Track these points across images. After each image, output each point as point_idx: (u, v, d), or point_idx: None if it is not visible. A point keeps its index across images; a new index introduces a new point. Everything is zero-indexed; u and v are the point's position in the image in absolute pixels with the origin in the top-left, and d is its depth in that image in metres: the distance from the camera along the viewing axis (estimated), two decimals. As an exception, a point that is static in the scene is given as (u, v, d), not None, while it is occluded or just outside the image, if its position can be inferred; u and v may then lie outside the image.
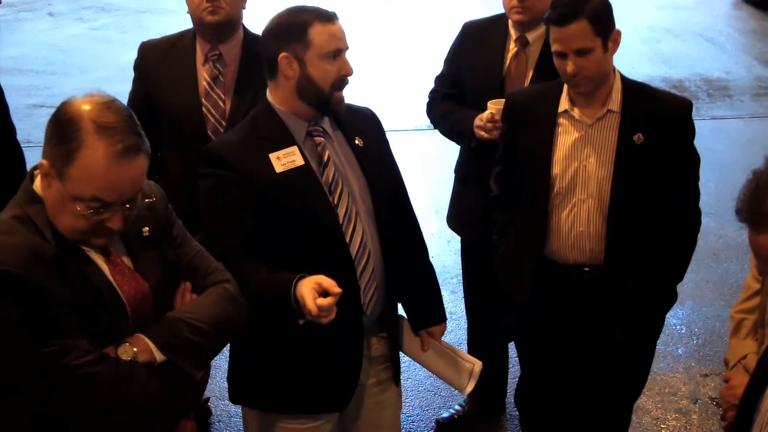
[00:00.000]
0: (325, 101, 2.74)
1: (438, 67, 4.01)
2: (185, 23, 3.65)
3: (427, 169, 6.89)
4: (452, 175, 4.13)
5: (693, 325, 5.23)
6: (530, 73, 3.63)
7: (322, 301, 2.48)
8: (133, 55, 3.73)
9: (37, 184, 2.17)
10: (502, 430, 4.38)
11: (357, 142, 2.87)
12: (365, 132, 2.92)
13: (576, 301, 3.22)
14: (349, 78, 2.75)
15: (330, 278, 2.54)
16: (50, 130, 2.10)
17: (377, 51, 10.01)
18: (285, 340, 2.79)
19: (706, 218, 6.07)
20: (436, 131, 4.05)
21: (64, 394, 2.09)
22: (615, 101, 3.09)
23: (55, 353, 2.04)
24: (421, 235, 3.14)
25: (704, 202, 6.21)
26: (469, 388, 3.10)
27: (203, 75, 3.51)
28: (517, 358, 4.02)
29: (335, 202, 2.76)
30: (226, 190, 2.71)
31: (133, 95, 3.66)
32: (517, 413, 4.26)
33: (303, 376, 2.85)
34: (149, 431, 2.33)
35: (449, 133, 3.90)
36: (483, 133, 3.56)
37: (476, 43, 3.78)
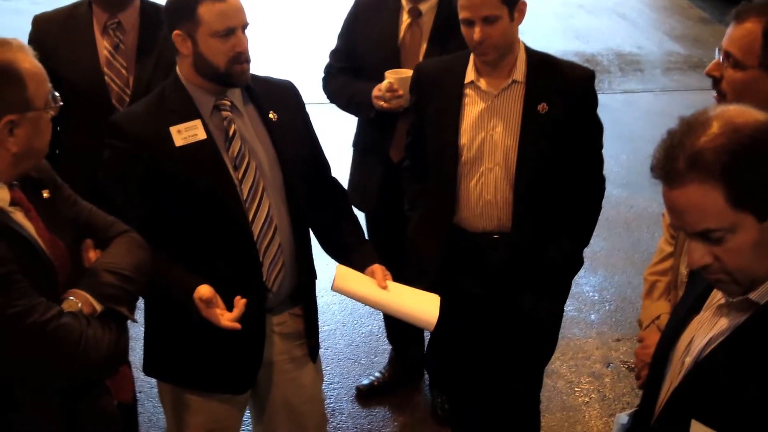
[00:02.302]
0: (223, 77, 2.74)
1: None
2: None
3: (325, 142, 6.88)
4: (349, 149, 4.17)
5: (605, 293, 5.38)
6: (425, 44, 3.70)
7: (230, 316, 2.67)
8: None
9: None
10: (421, 396, 4.47)
11: (271, 116, 2.86)
12: (281, 106, 2.91)
13: (485, 267, 3.29)
14: (245, 54, 2.73)
15: (226, 266, 2.75)
16: None
17: (293, 22, 9.97)
18: (189, 318, 2.79)
19: (617, 189, 6.31)
20: (332, 105, 4.06)
21: (35, 353, 2.07)
22: (520, 72, 3.15)
23: (20, 313, 2.03)
24: (346, 198, 3.18)
25: (616, 174, 6.38)
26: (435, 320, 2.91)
27: (103, 44, 3.47)
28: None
29: (240, 176, 2.77)
30: (119, 162, 2.72)
31: None
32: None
33: (206, 353, 2.87)
34: (101, 382, 2.39)
35: (347, 106, 3.93)
36: (382, 102, 3.62)
37: (370, 16, 3.83)
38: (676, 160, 1.73)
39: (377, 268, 2.95)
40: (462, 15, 3.06)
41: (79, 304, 2.21)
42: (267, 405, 3.10)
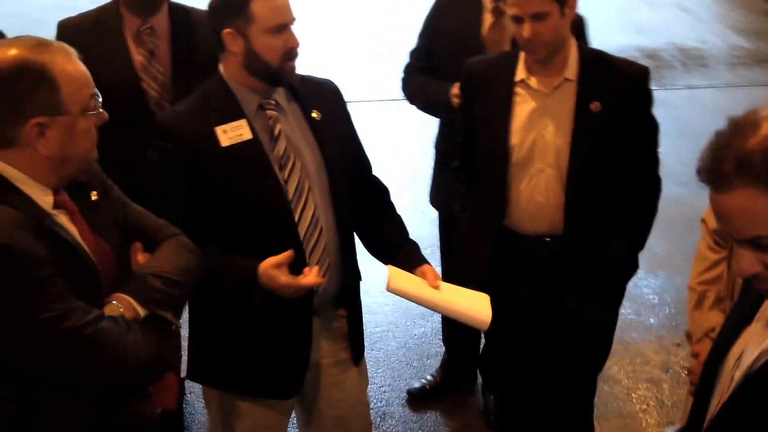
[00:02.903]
0: (274, 75, 2.69)
1: (414, 36, 3.96)
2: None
3: (404, 140, 6.85)
4: (430, 148, 4.10)
5: (665, 295, 5.23)
6: (507, 45, 3.61)
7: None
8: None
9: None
10: (473, 400, 4.39)
11: (314, 115, 2.81)
12: (324, 105, 2.86)
13: (537, 270, 3.20)
14: (297, 50, 2.69)
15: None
16: (17, 93, 2.03)
17: (357, 22, 9.95)
18: (235, 321, 2.77)
19: (678, 187, 6.15)
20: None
21: (71, 358, 2.04)
22: (571, 69, 3.06)
23: (57, 317, 1.99)
24: (388, 197, 3.10)
25: (677, 172, 6.23)
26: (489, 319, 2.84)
27: (137, 50, 3.43)
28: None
29: (286, 177, 2.72)
30: (167, 163, 2.68)
31: None
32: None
33: (253, 357, 2.82)
34: (142, 388, 2.35)
35: (426, 106, 3.86)
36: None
37: (451, 15, 3.74)
38: (723, 162, 1.63)
39: (428, 268, 2.90)
40: (511, 12, 2.98)
41: (121, 309, 2.17)
42: (313, 409, 3.05)
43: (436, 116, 3.93)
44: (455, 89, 3.55)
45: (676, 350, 4.74)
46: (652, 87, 3.11)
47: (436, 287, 2.84)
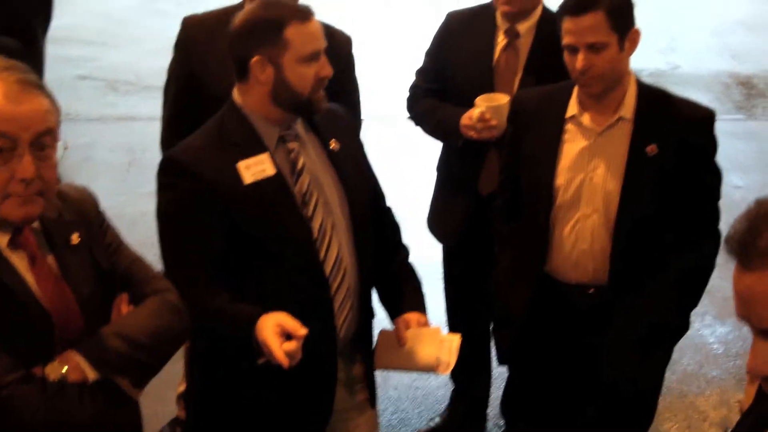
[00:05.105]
0: (304, 105, 2.50)
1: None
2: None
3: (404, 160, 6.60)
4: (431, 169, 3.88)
5: (732, 345, 4.86)
6: (521, 68, 3.40)
7: (288, 346, 2.30)
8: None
9: None
10: None
11: (332, 146, 2.62)
12: (340, 134, 2.67)
13: (577, 323, 2.98)
14: (328, 78, 2.50)
15: (297, 310, 2.38)
16: None
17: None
18: (252, 367, 2.51)
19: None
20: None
21: None
22: (628, 108, 2.82)
23: None
24: (399, 236, 2.89)
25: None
26: (452, 365, 2.73)
27: None
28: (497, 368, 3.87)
29: (309, 214, 2.52)
30: (187, 203, 2.47)
31: (176, 74, 3.37)
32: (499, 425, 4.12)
33: (274, 405, 2.60)
34: None
35: (434, 132, 3.64)
36: (472, 133, 3.32)
37: (462, 35, 3.53)
38: (758, 236, 1.40)
39: (400, 325, 2.70)
40: (565, 40, 2.76)
41: (64, 369, 1.97)
42: None
43: (444, 142, 3.72)
44: (465, 119, 3.34)
45: (738, 408, 4.39)
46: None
47: (403, 343, 2.68)
